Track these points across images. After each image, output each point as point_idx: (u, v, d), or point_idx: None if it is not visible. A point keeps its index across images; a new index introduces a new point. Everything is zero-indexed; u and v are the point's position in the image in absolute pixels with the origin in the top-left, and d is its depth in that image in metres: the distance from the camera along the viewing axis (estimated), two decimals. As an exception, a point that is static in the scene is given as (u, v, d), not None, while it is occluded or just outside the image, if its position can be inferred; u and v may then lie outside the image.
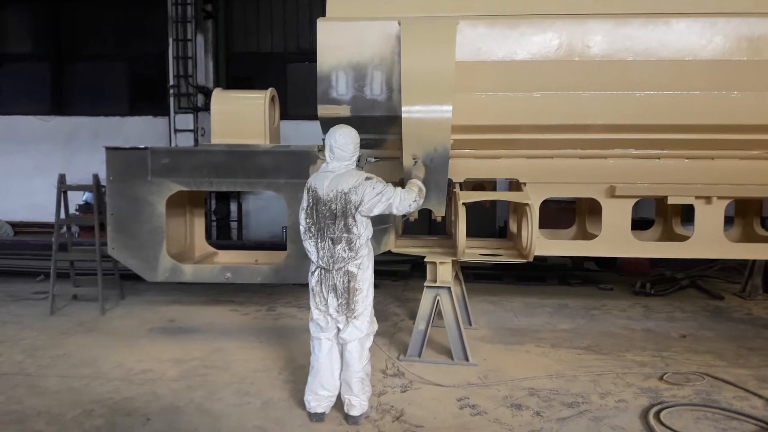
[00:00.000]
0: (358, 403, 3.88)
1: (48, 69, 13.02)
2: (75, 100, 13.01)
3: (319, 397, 3.91)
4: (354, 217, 3.73)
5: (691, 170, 5.08)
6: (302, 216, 3.89)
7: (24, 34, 13.18)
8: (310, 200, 3.84)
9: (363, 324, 3.85)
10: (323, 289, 3.83)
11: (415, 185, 4.07)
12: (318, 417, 3.92)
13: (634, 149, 5.07)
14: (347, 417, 3.92)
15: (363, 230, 3.80)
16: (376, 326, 4.01)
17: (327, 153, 3.84)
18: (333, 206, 3.73)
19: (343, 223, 3.73)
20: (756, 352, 5.39)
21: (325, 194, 3.76)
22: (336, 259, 3.77)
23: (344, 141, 3.79)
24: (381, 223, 5.03)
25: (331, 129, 3.89)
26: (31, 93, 13.00)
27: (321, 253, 3.80)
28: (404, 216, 4.47)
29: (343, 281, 3.78)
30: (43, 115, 12.86)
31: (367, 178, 3.77)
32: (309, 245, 3.86)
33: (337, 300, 3.80)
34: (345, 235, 3.74)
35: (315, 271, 3.88)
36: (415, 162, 4.55)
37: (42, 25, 13.01)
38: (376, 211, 3.78)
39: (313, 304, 3.90)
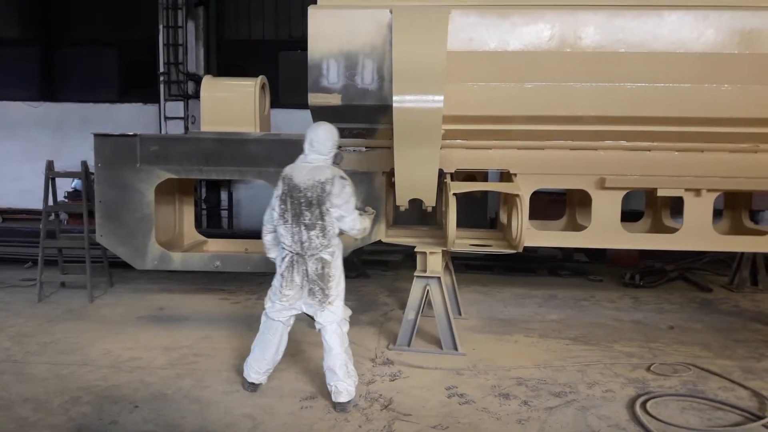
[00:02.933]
0: (344, 389, 3.90)
1: (37, 54, 12.80)
2: (64, 86, 12.83)
3: (261, 371, 4.19)
4: (327, 206, 3.91)
5: (681, 162, 5.10)
6: (276, 203, 4.05)
7: (13, 18, 12.96)
8: (285, 188, 4.00)
9: (338, 308, 4.02)
10: (293, 274, 3.98)
11: (366, 222, 4.27)
12: (254, 387, 4.22)
13: (625, 141, 5.07)
14: (335, 405, 3.93)
15: (335, 220, 3.98)
16: (349, 311, 4.18)
17: (306, 145, 4.07)
18: (309, 194, 3.91)
19: (318, 210, 3.90)
20: (742, 343, 5.44)
21: (302, 182, 3.94)
22: (310, 246, 3.93)
23: (325, 137, 4.03)
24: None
25: (313, 125, 4.13)
26: (19, 78, 12.78)
27: (295, 238, 3.95)
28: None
29: (316, 268, 3.94)
30: (31, 100, 12.68)
31: (342, 177, 3.98)
32: (283, 230, 4.00)
33: (309, 285, 3.96)
34: (319, 222, 3.92)
35: (286, 256, 4.02)
36: (370, 213, 4.54)
37: (31, 9, 12.81)
38: (331, 211, 3.94)
39: (279, 288, 4.05)
